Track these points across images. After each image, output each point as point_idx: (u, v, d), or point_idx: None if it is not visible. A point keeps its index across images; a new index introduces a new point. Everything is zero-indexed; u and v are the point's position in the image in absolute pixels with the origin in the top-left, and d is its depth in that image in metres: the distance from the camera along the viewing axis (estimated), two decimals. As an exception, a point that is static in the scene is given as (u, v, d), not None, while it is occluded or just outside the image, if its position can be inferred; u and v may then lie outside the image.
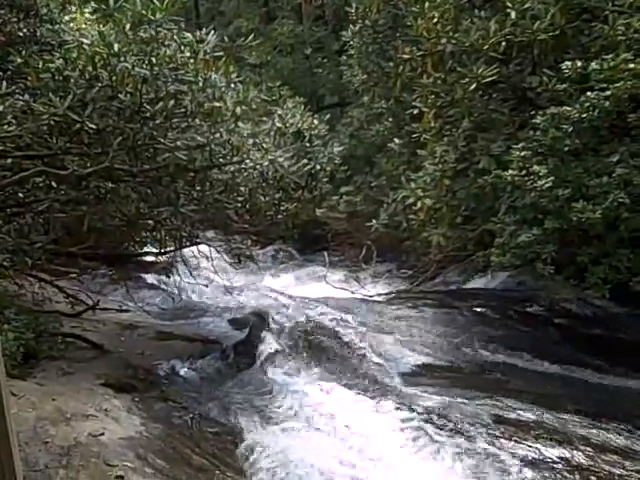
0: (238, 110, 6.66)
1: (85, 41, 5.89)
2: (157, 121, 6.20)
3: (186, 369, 7.01)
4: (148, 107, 6.06)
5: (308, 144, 9.09)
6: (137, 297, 8.73)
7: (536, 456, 5.69)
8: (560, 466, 5.57)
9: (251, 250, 9.70)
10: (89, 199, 6.72)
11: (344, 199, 13.22)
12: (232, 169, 7.11)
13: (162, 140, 6.26)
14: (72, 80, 5.88)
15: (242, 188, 7.39)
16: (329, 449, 5.72)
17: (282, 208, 8.88)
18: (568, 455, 5.71)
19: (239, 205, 7.56)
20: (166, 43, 6.08)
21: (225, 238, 8.76)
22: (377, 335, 8.13)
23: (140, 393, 6.19)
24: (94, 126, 5.85)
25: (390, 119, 12.39)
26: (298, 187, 9.21)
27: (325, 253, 12.69)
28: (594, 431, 6.17)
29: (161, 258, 8.53)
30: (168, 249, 8.31)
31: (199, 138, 6.39)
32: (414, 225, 9.58)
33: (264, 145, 7.34)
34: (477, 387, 7.12)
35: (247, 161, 7.07)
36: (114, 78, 5.88)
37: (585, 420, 6.35)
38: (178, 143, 6.31)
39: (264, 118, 7.83)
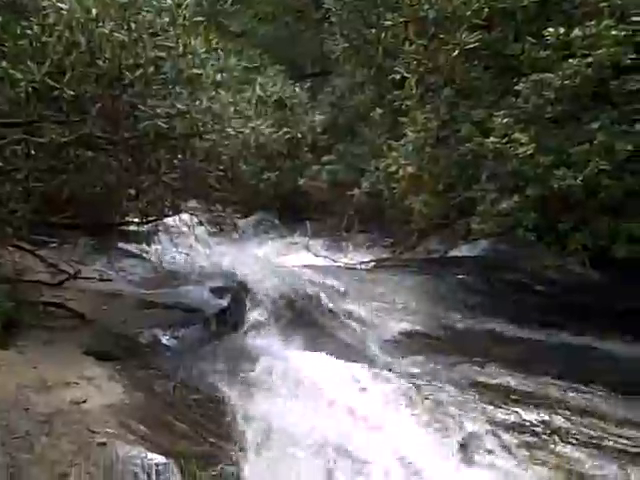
0: (219, 77, 6.60)
1: (63, 6, 5.79)
2: (136, 88, 6.12)
3: (168, 337, 6.99)
4: (127, 74, 5.97)
5: (289, 113, 9.04)
6: (118, 266, 8.68)
7: (516, 420, 5.77)
8: (539, 429, 5.65)
9: (233, 219, 9.69)
10: (69, 168, 6.65)
11: (326, 168, 13.16)
12: (214, 137, 7.05)
13: (142, 107, 6.19)
14: (50, 46, 5.79)
15: (224, 157, 7.33)
16: (312, 414, 5.75)
17: (264, 177, 8.85)
18: (547, 418, 5.79)
19: (221, 174, 7.51)
20: (145, 8, 5.99)
21: (207, 207, 8.72)
22: (359, 303, 8.15)
23: (122, 361, 6.16)
24: (73, 92, 5.78)
25: (372, 87, 12.32)
26: (280, 156, 9.18)
27: (307, 222, 12.68)
28: (573, 394, 6.27)
29: (143, 227, 8.48)
30: (150, 218, 8.27)
31: (179, 105, 6.32)
32: (396, 193, 9.57)
33: (245, 113, 7.28)
34: (458, 353, 7.19)
35: (228, 129, 7.01)
36: (92, 44, 5.79)
37: (564, 384, 6.45)
38: (158, 110, 6.24)
39: (245, 86, 7.76)
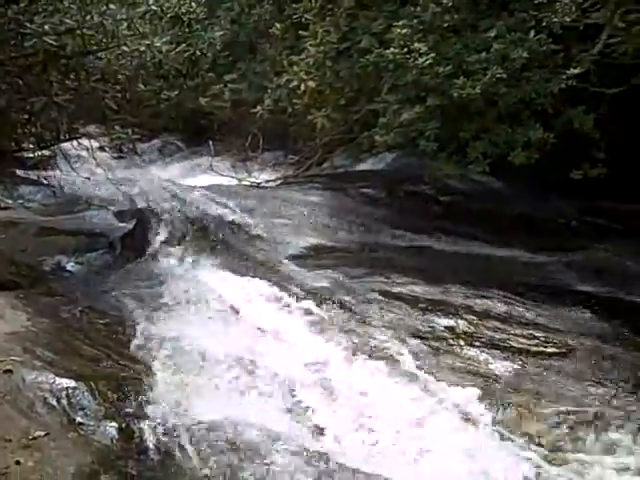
0: (109, -10, 6.36)
1: None
2: (21, 4, 5.84)
3: (72, 264, 6.85)
4: (9, -12, 5.70)
5: (187, 29, 8.81)
6: (16, 194, 8.41)
7: (422, 327, 5.89)
8: (446, 334, 5.80)
9: (134, 142, 9.48)
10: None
11: (228, 87, 12.89)
12: (108, 56, 6.83)
13: (28, 25, 5.92)
14: None
15: (120, 76, 7.13)
16: (223, 334, 5.77)
17: (164, 97, 8.65)
18: (453, 324, 5.94)
19: (118, 94, 7.30)
20: None
21: (107, 131, 8.49)
22: (266, 220, 8.13)
23: (25, 290, 6.02)
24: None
25: (271, 1, 12.06)
26: (179, 75, 8.97)
27: (210, 142, 12.50)
28: (477, 300, 6.43)
29: (39, 153, 8.21)
30: (46, 144, 8.02)
31: (68, 21, 6.08)
32: (299, 109, 9.50)
33: (140, 30, 7.06)
34: (365, 265, 7.27)
35: (123, 47, 6.79)
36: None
37: (469, 290, 6.60)
38: (46, 27, 5.99)
39: (139, 0, 7.51)
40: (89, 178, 8.83)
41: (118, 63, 6.86)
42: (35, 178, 8.57)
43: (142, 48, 6.76)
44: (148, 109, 9.64)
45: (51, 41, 5.95)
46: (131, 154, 11.78)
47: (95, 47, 6.57)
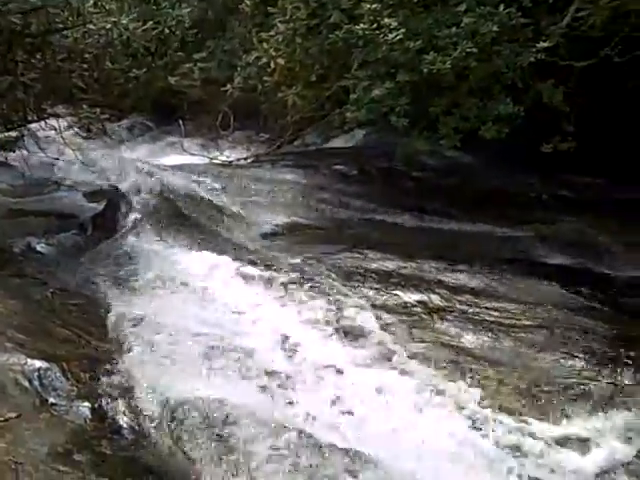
0: (74, -33, 6.27)
1: None
2: (-16, -18, 5.76)
3: (43, 245, 6.77)
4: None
5: (154, 7, 8.72)
6: (-18, 176, 8.32)
7: (395, 302, 5.92)
8: (418, 309, 5.82)
9: (103, 122, 9.39)
10: None
11: (198, 66, 12.76)
12: (74, 34, 6.74)
13: (-9, 3, 5.84)
14: None
15: (87, 55, 7.05)
16: (197, 313, 5.75)
17: (132, 76, 8.57)
18: (426, 298, 5.96)
19: (85, 73, 7.23)
20: None
21: (75, 111, 8.41)
22: (238, 198, 8.11)
23: (-6, 273, 5.98)
24: None
25: (240, -23, 11.94)
26: (147, 53, 8.89)
27: (181, 122, 12.41)
28: (449, 275, 6.46)
29: (6, 134, 8.10)
30: (13, 124, 7.91)
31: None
32: (269, 87, 9.42)
33: (106, 7, 6.97)
34: (337, 242, 7.28)
35: (90, 25, 6.71)
36: None
37: (441, 265, 6.63)
38: (10, 6, 5.90)
39: (104, -22, 7.41)
40: (58, 159, 8.73)
41: (85, 41, 6.79)
42: (2, 159, 8.44)
43: (108, 26, 6.70)
44: (117, 88, 9.54)
45: (16, 20, 5.86)
46: (100, 134, 11.66)
47: (61, 25, 6.48)
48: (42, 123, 8.39)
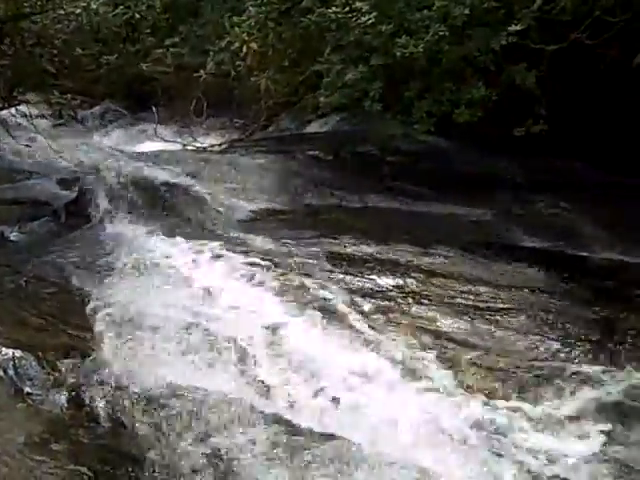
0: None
1: None
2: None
3: (16, 233, 6.73)
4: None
5: (125, -9, 8.62)
6: (-49, 165, 8.22)
7: (371, 286, 5.92)
8: (394, 293, 5.83)
9: (74, 108, 9.30)
10: None
11: (170, 51, 12.68)
12: (43, 20, 6.66)
13: (-42, -11, 5.75)
14: None
15: (56, 40, 6.97)
16: (173, 300, 5.71)
17: (103, 61, 8.49)
18: (402, 283, 5.98)
19: (56, 59, 7.14)
20: None
21: (45, 97, 8.31)
22: (212, 185, 8.06)
23: (-33, 262, 5.92)
24: None
25: (212, -38, 11.87)
26: (118, 39, 8.80)
27: (154, 108, 12.31)
28: (425, 259, 6.47)
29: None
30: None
31: (0, -16, 5.91)
32: (242, 72, 9.38)
33: (75, -8, 6.89)
34: (313, 227, 7.26)
35: (59, 10, 6.63)
36: None
37: (416, 249, 6.63)
38: (-23, -9, 5.82)
39: (73, -38, 7.32)
40: (29, 146, 8.64)
41: (54, 27, 6.70)
42: (-28, 148, 8.37)
43: (78, 11, 6.62)
44: (88, 74, 9.44)
45: (-17, 5, 5.78)
46: (72, 121, 11.54)
47: (30, 10, 6.40)
48: (12, 110, 8.29)
